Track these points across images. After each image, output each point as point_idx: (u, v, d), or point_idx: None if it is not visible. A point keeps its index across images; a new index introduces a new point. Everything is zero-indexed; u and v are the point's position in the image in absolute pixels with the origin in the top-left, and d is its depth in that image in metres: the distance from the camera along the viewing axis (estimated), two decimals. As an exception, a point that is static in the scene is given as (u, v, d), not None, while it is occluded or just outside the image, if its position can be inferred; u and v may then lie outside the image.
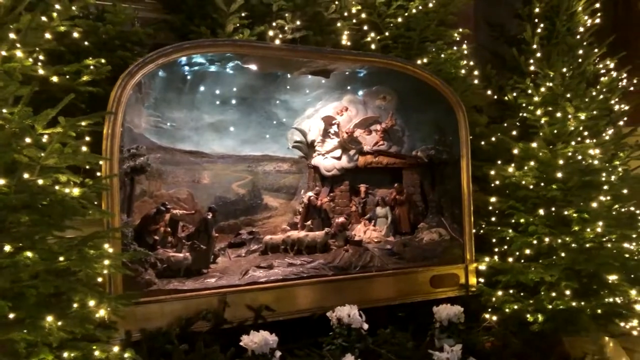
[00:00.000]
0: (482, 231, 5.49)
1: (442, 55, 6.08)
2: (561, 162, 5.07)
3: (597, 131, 5.93)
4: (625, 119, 6.45)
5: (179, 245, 4.45)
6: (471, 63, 6.33)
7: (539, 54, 6.06)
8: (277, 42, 4.66)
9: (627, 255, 5.18)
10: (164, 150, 4.64)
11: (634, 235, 5.41)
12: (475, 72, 6.57)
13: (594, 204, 4.99)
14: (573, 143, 5.29)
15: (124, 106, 3.89)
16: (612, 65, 6.42)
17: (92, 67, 3.99)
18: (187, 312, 4.11)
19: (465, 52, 6.37)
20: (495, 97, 6.45)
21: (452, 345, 4.34)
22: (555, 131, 5.28)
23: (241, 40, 4.45)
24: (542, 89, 5.42)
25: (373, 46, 6.04)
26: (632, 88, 6.69)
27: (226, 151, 5.02)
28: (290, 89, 5.18)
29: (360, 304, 4.53)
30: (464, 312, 4.85)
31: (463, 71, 6.17)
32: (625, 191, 5.38)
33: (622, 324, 5.15)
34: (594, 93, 5.85)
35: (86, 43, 4.19)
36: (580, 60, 6.33)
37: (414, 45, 6.13)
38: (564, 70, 5.56)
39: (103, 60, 4.08)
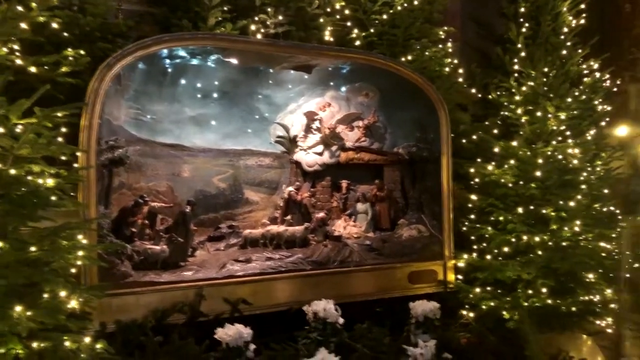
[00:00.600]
0: (464, 228, 5.53)
1: (427, 53, 6.11)
2: (540, 161, 5.11)
3: (580, 131, 5.99)
4: (608, 119, 6.52)
5: (156, 237, 4.45)
6: (455, 61, 6.36)
7: (523, 54, 6.10)
8: (259, 36, 4.67)
9: (604, 254, 5.25)
10: (143, 142, 4.63)
11: (614, 235, 5.48)
12: (460, 70, 6.62)
13: (572, 203, 5.03)
14: (554, 142, 5.34)
15: (101, 98, 3.90)
16: (596, 66, 6.48)
17: (70, 58, 4.01)
18: (163, 305, 4.11)
19: (450, 50, 6.40)
20: (480, 95, 6.48)
21: (427, 341, 4.40)
22: (538, 130, 5.32)
23: (221, 33, 4.45)
24: (524, 88, 5.45)
25: (358, 42, 6.05)
26: (615, 89, 6.76)
27: (207, 145, 5.01)
28: (272, 83, 5.19)
29: (337, 298, 4.56)
30: (442, 308, 4.90)
31: (447, 69, 6.20)
32: (605, 191, 5.44)
33: (597, 322, 5.23)
34: (576, 93, 5.90)
35: (66, 34, 4.17)
36: (563, 60, 6.38)
37: (398, 42, 6.15)
38: (546, 69, 5.58)
39: (82, 52, 4.08)
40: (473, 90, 6.45)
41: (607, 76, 6.41)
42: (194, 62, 4.69)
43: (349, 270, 4.96)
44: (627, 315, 4.14)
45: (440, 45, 6.45)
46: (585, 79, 6.25)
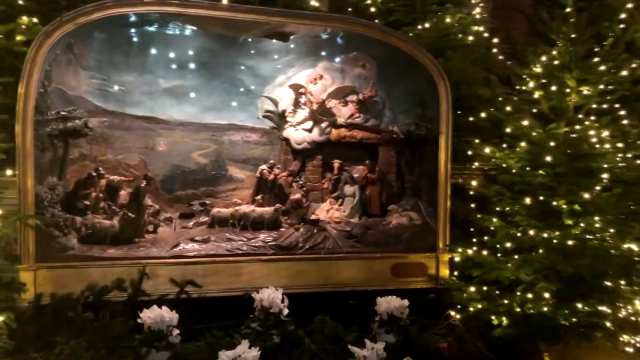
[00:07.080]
0: (469, 218, 4.87)
1: (448, 20, 5.43)
2: (552, 143, 4.31)
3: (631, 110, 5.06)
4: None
5: (109, 212, 4.33)
6: (481, 28, 5.61)
7: (573, 19, 5.19)
8: (225, 1, 4.34)
9: (636, 258, 4.35)
10: (111, 114, 4.51)
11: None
12: (495, 40, 5.88)
13: (587, 195, 4.19)
14: (587, 123, 4.48)
15: (39, 66, 3.82)
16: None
17: (23, 26, 4.00)
18: (105, 281, 4.00)
19: (478, 16, 5.66)
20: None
21: (392, 342, 3.94)
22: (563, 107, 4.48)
23: (170, -1, 4.17)
24: (543, 58, 4.62)
25: (373, 9, 5.58)
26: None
27: (186, 118, 4.78)
28: (255, 53, 4.83)
29: (302, 287, 4.29)
30: (433, 307, 4.37)
31: (471, 38, 5.49)
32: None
33: (621, 339, 4.37)
34: (633, 65, 4.95)
35: (21, 2, 4.15)
36: (623, 25, 5.40)
37: (417, 7, 5.58)
38: (573, 35, 4.65)
39: (35, 20, 4.07)
40: (509, 62, 5.67)
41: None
42: (161, 31, 4.48)
43: (316, 258, 4.53)
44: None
45: (473, 12, 5.76)
46: (648, 46, 5.27)
